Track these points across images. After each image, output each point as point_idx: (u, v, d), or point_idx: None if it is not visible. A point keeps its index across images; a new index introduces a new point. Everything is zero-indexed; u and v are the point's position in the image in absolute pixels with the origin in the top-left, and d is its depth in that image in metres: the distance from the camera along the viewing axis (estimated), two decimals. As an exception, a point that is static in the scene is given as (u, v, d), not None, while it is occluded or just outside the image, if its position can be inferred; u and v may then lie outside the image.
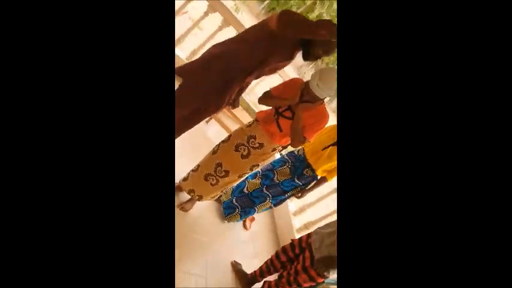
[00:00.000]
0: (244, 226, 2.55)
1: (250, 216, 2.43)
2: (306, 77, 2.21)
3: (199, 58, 1.83)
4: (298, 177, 2.20)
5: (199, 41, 2.97)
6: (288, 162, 2.25)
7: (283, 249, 2.00)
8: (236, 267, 2.12)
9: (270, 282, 1.97)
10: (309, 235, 1.93)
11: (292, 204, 3.00)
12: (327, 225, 1.94)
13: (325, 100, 1.83)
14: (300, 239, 1.97)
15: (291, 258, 1.94)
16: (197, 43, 2.98)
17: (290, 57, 1.77)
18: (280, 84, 1.94)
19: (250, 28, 1.80)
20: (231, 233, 2.41)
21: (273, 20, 1.60)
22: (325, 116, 1.81)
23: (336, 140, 2.09)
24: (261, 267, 2.06)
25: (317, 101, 1.75)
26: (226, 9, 2.71)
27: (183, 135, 1.89)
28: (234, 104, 1.95)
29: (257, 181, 2.27)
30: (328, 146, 2.10)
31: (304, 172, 2.19)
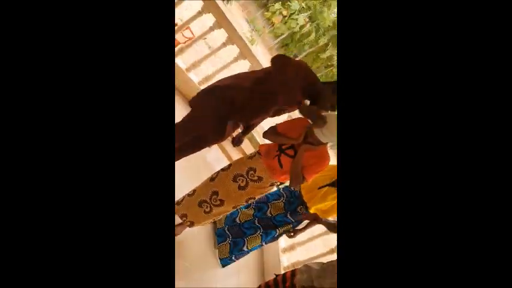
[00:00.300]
0: None
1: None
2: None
3: (208, 86, 1.90)
4: (291, 213, 2.20)
5: (215, 68, 3.07)
6: (283, 196, 2.25)
7: (267, 285, 1.97)
8: None
9: None
10: (293, 273, 1.90)
11: (283, 241, 2.97)
12: (317, 269, 1.91)
13: (328, 144, 1.87)
14: (284, 275, 1.94)
15: None
16: (212, 69, 3.08)
17: (295, 103, 1.78)
18: (286, 122, 1.99)
19: (262, 69, 1.88)
20: (217, 262, 2.37)
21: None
22: (326, 159, 1.83)
23: (333, 180, 2.11)
24: None
25: (319, 143, 1.78)
26: (243, 41, 2.83)
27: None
28: (237, 141, 1.99)
29: (250, 212, 2.27)
30: (324, 186, 2.11)
31: (298, 209, 2.19)
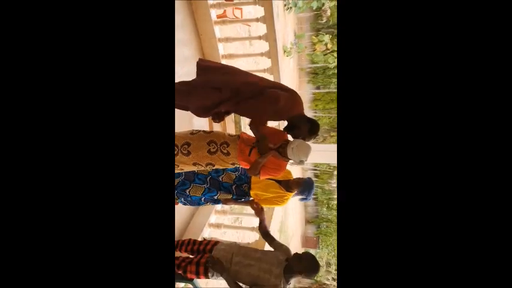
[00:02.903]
0: None
1: None
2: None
3: (223, 64, 2.21)
4: (236, 186, 2.53)
5: (241, 52, 3.36)
6: (238, 171, 2.59)
7: (193, 241, 2.30)
8: None
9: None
10: (216, 243, 2.20)
11: (213, 217, 3.24)
12: (244, 255, 2.12)
13: (290, 162, 2.19)
14: (209, 241, 2.27)
15: (196, 250, 2.23)
16: (239, 52, 3.36)
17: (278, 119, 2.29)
18: (272, 128, 2.31)
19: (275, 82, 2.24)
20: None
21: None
22: (281, 170, 2.21)
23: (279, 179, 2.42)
24: (181, 241, 2.35)
25: (285, 157, 2.11)
26: (275, 44, 3.16)
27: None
28: (218, 118, 2.28)
29: (207, 169, 2.54)
30: (270, 179, 2.40)
31: (243, 186, 2.51)
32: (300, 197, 2.49)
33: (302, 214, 17.37)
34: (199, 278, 2.10)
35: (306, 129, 2.09)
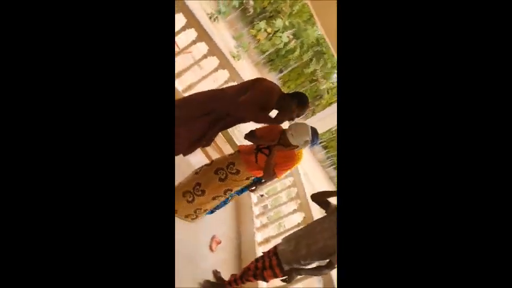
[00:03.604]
0: (211, 248, 2.72)
1: (216, 239, 2.61)
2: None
3: (195, 93, 2.18)
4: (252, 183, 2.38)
5: (197, 77, 3.35)
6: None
7: (254, 263, 2.20)
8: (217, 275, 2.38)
9: (235, 274, 2.21)
10: (275, 248, 2.14)
11: (259, 235, 3.20)
12: (307, 236, 2.07)
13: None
14: (268, 251, 2.18)
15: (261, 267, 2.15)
16: (195, 79, 3.36)
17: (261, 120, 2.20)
18: (264, 127, 2.28)
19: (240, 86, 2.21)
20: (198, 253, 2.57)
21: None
22: (293, 159, 2.15)
23: None
24: (242, 272, 2.23)
25: (289, 146, 2.08)
26: (223, 54, 3.14)
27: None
28: (208, 143, 2.25)
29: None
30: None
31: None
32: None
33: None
34: (279, 277, 2.04)
35: (294, 104, 2.03)
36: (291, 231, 2.55)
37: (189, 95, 2.24)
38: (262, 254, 2.26)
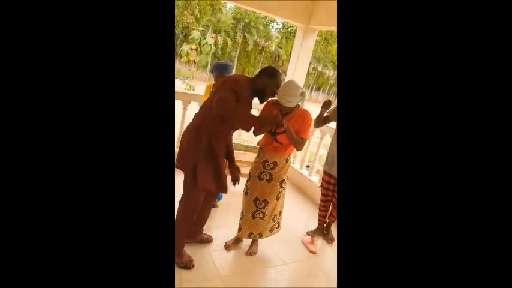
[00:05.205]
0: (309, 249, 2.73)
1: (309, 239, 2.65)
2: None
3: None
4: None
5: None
6: None
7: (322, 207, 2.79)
8: None
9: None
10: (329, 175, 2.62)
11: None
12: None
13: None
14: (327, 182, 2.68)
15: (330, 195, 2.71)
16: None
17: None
18: (259, 114, 2.27)
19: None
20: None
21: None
22: (305, 115, 2.11)
23: None
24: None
25: (291, 109, 2.07)
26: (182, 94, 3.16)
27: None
28: (234, 182, 2.27)
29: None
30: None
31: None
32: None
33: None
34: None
35: (268, 80, 2.00)
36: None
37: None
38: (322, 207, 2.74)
